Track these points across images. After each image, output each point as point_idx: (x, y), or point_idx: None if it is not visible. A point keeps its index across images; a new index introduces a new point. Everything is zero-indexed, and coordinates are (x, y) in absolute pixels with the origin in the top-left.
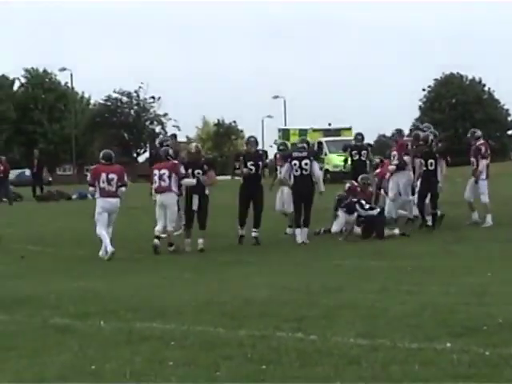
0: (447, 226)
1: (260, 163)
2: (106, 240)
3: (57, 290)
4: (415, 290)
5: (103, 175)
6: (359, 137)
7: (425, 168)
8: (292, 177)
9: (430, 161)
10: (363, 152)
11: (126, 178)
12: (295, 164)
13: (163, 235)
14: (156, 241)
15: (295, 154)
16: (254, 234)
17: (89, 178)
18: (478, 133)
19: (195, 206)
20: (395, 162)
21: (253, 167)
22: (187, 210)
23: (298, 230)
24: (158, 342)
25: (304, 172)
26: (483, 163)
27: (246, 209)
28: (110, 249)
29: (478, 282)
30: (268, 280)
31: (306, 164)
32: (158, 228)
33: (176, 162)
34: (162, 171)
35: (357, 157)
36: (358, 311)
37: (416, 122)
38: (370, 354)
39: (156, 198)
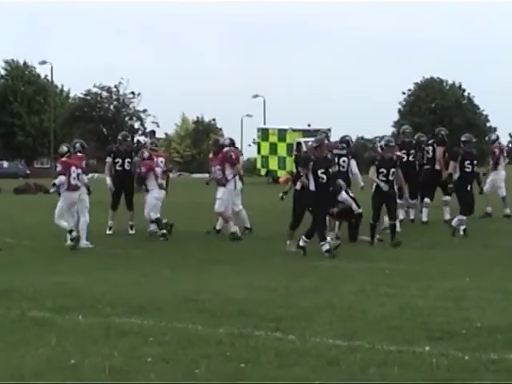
0: (425, 230)
1: (331, 170)
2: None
3: (34, 283)
4: (394, 292)
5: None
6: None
7: (384, 178)
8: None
9: (391, 170)
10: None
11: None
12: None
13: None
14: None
15: (335, 152)
16: (301, 244)
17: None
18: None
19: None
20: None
21: (324, 175)
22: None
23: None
24: (136, 338)
25: (341, 169)
26: None
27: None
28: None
29: (456, 286)
30: (246, 280)
31: (343, 161)
32: (72, 225)
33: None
34: (79, 170)
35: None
36: (336, 312)
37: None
38: (348, 356)
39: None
